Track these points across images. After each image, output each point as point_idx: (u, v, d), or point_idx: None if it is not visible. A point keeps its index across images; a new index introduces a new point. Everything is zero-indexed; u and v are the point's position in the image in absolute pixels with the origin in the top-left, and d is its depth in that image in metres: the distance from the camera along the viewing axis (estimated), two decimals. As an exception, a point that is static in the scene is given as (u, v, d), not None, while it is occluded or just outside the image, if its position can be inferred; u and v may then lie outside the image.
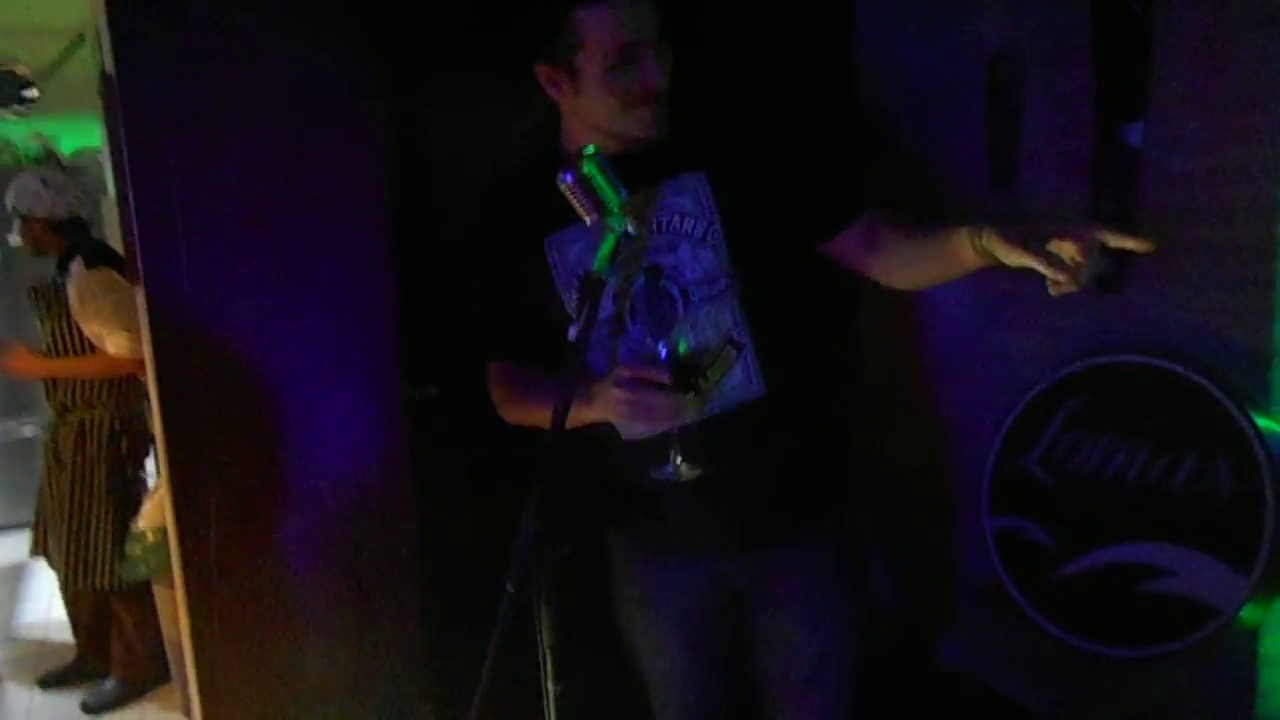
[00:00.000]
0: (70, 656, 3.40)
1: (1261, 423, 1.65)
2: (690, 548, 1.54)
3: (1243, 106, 1.70)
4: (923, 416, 2.35)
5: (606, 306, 1.45)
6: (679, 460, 1.38)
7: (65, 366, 3.01)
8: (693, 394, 1.37)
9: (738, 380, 1.43)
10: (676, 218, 1.43)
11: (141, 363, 2.80)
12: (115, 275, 2.91)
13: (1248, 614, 1.67)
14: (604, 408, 1.38)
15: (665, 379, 1.34)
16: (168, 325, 1.94)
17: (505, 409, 1.60)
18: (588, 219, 1.32)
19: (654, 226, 1.44)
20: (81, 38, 4.44)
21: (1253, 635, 1.76)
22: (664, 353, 1.37)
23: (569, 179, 1.30)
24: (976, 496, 2.09)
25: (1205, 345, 1.77)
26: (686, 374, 1.36)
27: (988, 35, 2.11)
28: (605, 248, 1.32)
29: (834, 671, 1.56)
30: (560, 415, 1.28)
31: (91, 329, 2.93)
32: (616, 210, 1.30)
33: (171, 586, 2.41)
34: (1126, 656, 1.81)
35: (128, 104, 1.85)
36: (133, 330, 2.77)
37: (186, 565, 2.04)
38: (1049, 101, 2.03)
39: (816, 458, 1.53)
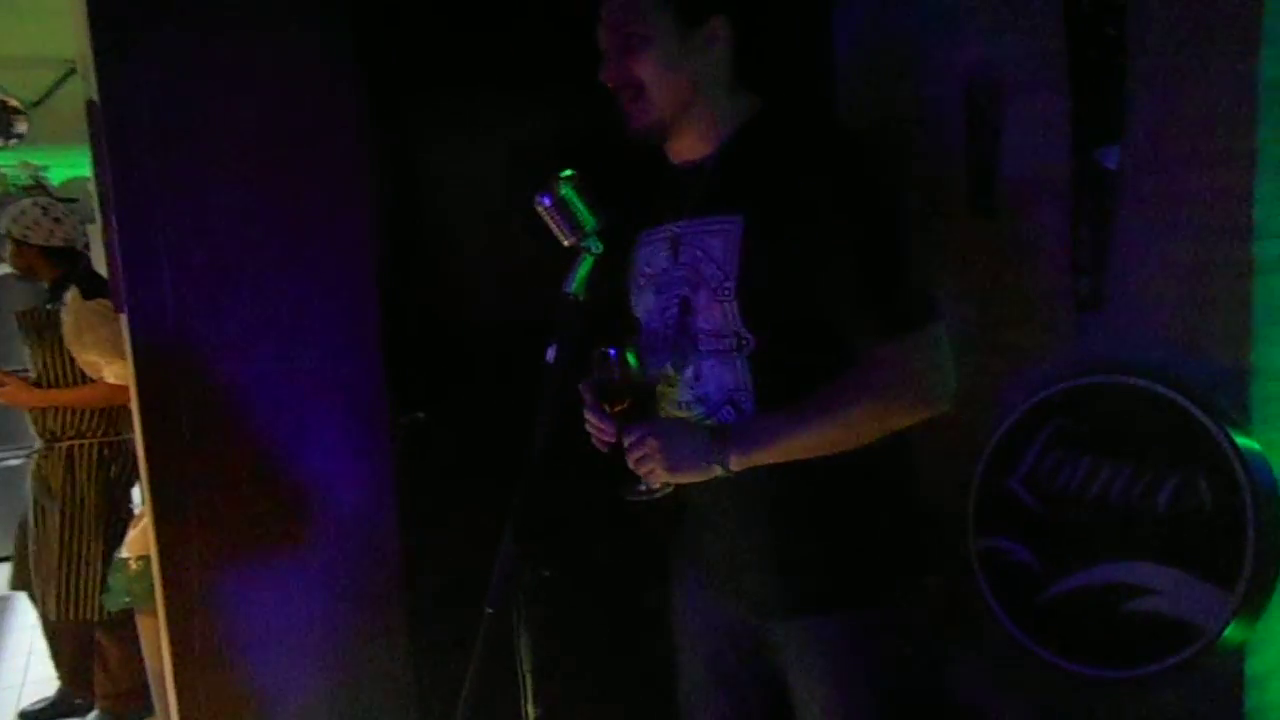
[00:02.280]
0: (53, 690, 3.36)
1: (1241, 441, 1.66)
2: (721, 588, 1.47)
3: (1215, 129, 1.72)
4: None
5: (650, 317, 1.45)
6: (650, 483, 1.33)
7: (63, 397, 3.00)
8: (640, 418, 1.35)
9: None
10: (704, 259, 1.35)
11: (132, 390, 2.81)
12: (110, 305, 2.92)
13: (1232, 633, 1.66)
14: None
15: (619, 404, 1.34)
16: (152, 353, 1.94)
17: None
18: (565, 241, 1.33)
19: (690, 258, 1.38)
20: (73, 69, 4.47)
21: (1238, 655, 1.75)
22: (615, 376, 1.34)
23: (547, 201, 1.31)
24: (960, 519, 2.09)
25: (1185, 364, 1.78)
26: (639, 396, 1.35)
27: (966, 60, 2.14)
28: (583, 270, 1.33)
29: None
30: (539, 438, 1.28)
31: (88, 358, 2.93)
32: (593, 233, 1.32)
33: (155, 616, 2.39)
34: (1113, 677, 1.80)
35: (112, 133, 1.87)
36: (129, 358, 2.78)
37: (169, 593, 2.03)
38: (1027, 125, 2.05)
39: (843, 536, 1.37)
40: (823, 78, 2.46)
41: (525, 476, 1.29)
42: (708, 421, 1.37)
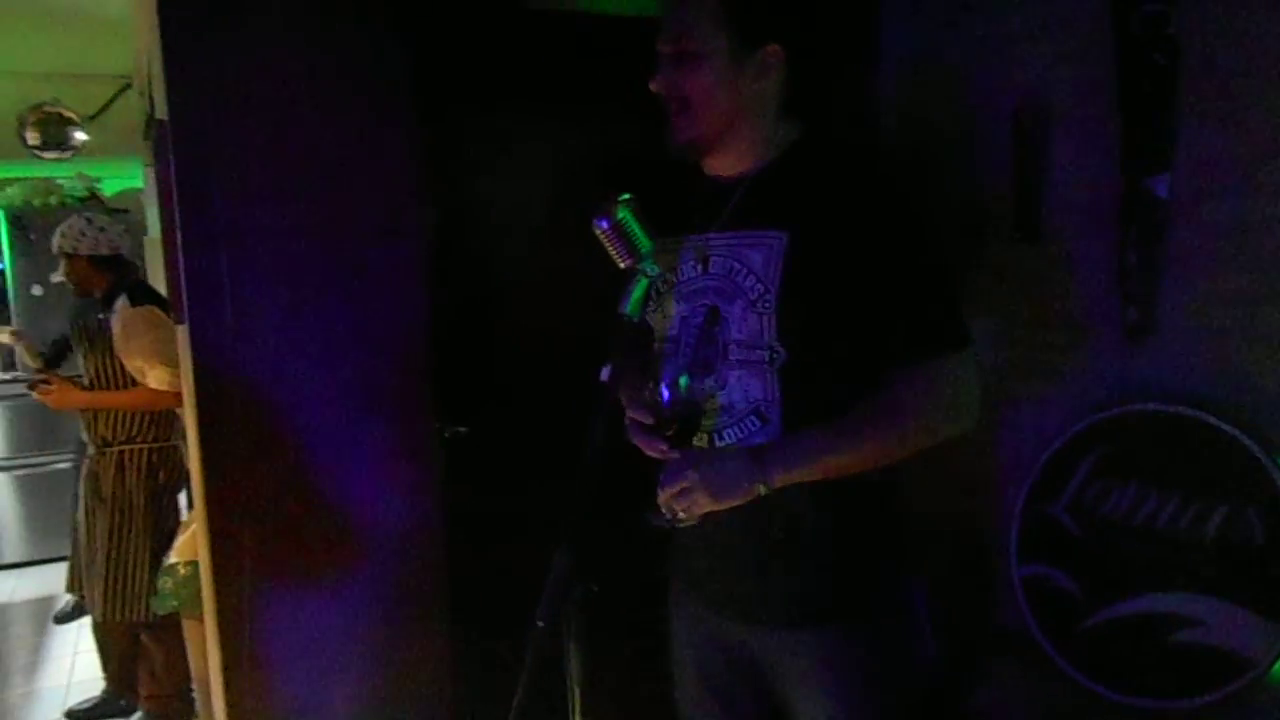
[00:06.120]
0: (99, 691, 3.43)
1: (1293, 473, 1.65)
2: (710, 600, 1.49)
3: (1267, 158, 1.72)
4: (953, 465, 2.35)
5: (671, 324, 1.45)
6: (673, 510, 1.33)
7: (107, 399, 3.07)
8: (688, 442, 1.35)
9: None
10: (743, 271, 1.37)
11: (180, 397, 2.87)
12: (158, 312, 2.99)
13: (1282, 667, 1.65)
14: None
15: (668, 430, 1.33)
16: (210, 363, 1.99)
17: None
18: (621, 264, 1.35)
19: (725, 269, 1.39)
20: (128, 84, 4.60)
21: (1287, 689, 1.74)
22: (666, 397, 1.34)
23: (604, 225, 1.32)
24: (1003, 544, 2.09)
25: (1233, 394, 1.77)
26: (686, 420, 1.34)
27: (1014, 86, 2.15)
28: (638, 291, 1.34)
29: None
30: (593, 454, 1.30)
31: (134, 364, 3.00)
32: (649, 255, 1.34)
33: (201, 620, 2.44)
34: (1158, 708, 1.79)
35: (180, 149, 1.92)
36: (173, 365, 2.84)
37: (219, 599, 2.07)
38: (1075, 152, 2.05)
39: (856, 544, 1.40)
40: (869, 102, 2.48)
41: (578, 492, 1.30)
42: (727, 445, 1.38)
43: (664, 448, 1.35)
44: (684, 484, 1.29)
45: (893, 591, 1.43)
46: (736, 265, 1.38)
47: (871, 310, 1.31)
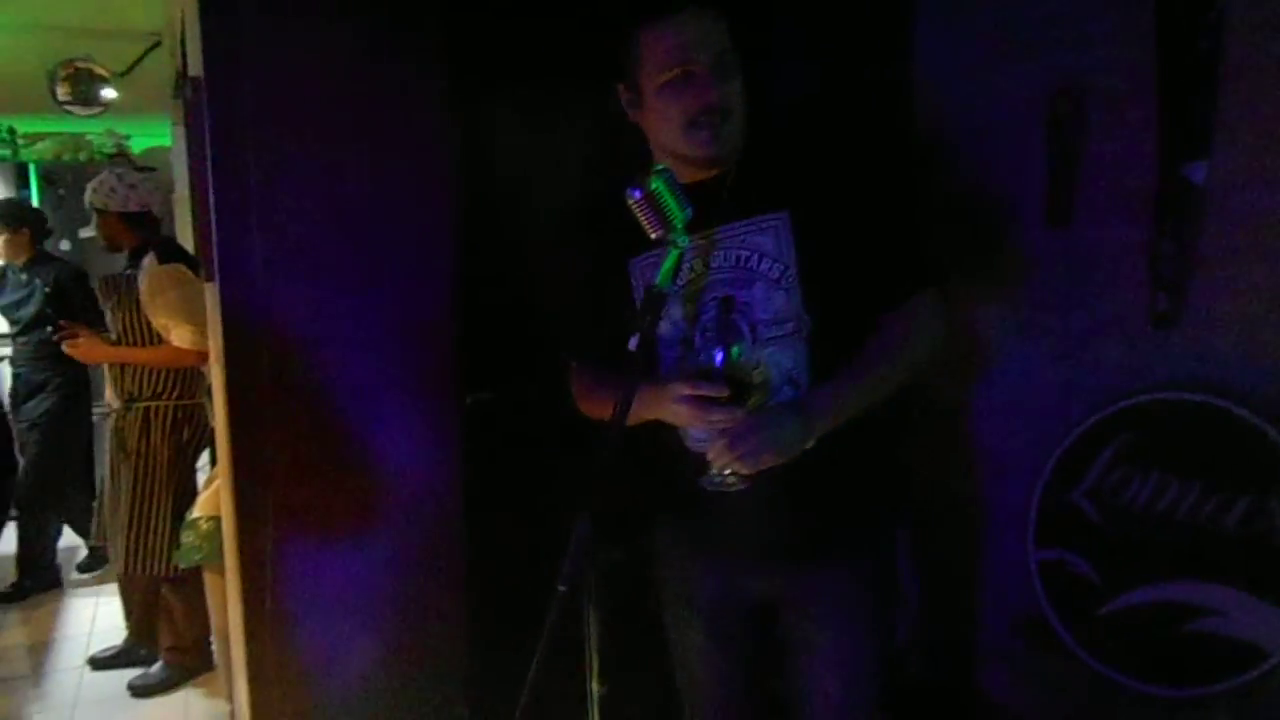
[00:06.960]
0: (120, 640, 3.49)
1: (1318, 466, 1.64)
2: (734, 552, 1.59)
3: (1309, 148, 1.69)
4: (964, 446, 2.35)
5: (678, 328, 1.49)
6: (728, 471, 1.40)
7: (131, 355, 3.12)
8: (745, 406, 1.40)
9: None
10: (755, 256, 1.46)
11: (204, 355, 2.90)
12: (185, 270, 3.02)
13: (1298, 658, 1.64)
14: (665, 415, 1.43)
15: (723, 393, 1.37)
16: (238, 322, 2.01)
17: (581, 403, 1.69)
18: (653, 234, 1.36)
19: (732, 260, 1.47)
20: (158, 41, 4.61)
21: (1302, 681, 1.74)
22: (719, 359, 1.39)
23: (637, 195, 1.34)
24: (1019, 528, 2.09)
25: (1261, 385, 1.75)
26: (739, 385, 1.39)
27: (1049, 69, 2.12)
28: (668, 263, 1.36)
29: (864, 680, 1.60)
30: (617, 424, 1.32)
31: (159, 321, 3.04)
32: (681, 227, 1.35)
33: (222, 574, 2.48)
34: (1171, 696, 1.79)
35: (214, 107, 1.93)
36: (198, 324, 2.87)
37: (241, 554, 2.10)
38: (1110, 138, 2.03)
39: (859, 486, 1.57)
40: (901, 84, 2.46)
41: (601, 460, 1.32)
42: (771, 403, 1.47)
43: (719, 416, 1.37)
44: (749, 445, 1.36)
45: (889, 533, 1.65)
46: (745, 253, 1.46)
47: (868, 259, 1.46)
